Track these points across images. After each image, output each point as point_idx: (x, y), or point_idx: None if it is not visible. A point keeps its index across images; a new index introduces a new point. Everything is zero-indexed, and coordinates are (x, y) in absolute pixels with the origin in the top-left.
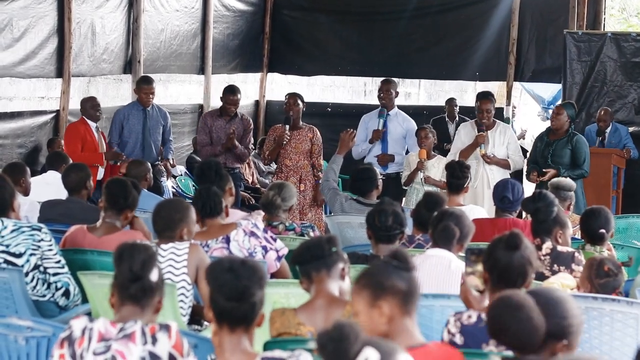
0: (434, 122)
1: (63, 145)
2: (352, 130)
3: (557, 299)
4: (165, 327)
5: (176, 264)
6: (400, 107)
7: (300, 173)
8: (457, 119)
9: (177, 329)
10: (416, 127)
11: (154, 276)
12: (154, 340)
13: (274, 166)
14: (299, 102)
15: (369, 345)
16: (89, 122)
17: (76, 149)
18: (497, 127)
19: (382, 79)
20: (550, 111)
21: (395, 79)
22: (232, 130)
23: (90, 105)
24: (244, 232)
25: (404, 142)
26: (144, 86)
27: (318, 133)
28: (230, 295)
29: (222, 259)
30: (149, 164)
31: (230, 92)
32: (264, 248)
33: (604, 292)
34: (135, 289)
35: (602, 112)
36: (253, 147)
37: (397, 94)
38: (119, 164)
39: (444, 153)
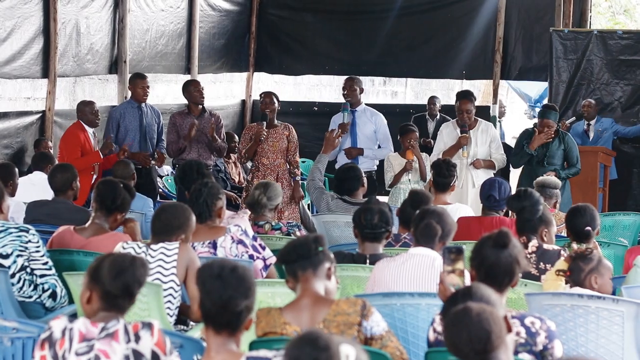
0: (415, 120)
1: (58, 150)
2: (337, 129)
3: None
4: (148, 325)
5: (165, 264)
6: (387, 106)
7: (277, 171)
8: (438, 117)
9: (159, 327)
10: (385, 120)
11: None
12: (137, 338)
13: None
14: (275, 100)
15: (342, 344)
16: (87, 127)
17: (75, 156)
18: (479, 126)
19: (346, 77)
20: (537, 109)
21: (382, 78)
22: (212, 123)
23: (90, 110)
24: (232, 239)
25: (375, 137)
26: (139, 81)
27: (293, 130)
28: (215, 302)
29: (214, 262)
30: (133, 165)
31: (193, 82)
32: (251, 257)
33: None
34: (126, 302)
35: (587, 102)
36: (237, 142)
37: (361, 90)
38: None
39: (422, 148)
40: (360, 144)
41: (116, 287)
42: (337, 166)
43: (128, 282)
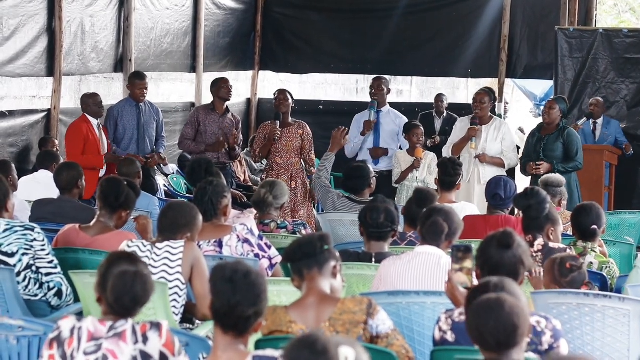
0: (422, 117)
1: (64, 145)
2: (344, 128)
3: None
4: (156, 326)
5: (171, 262)
6: (392, 104)
7: (291, 171)
8: (444, 114)
9: (167, 327)
10: None
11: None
12: (145, 339)
13: (264, 163)
14: (289, 97)
15: (340, 345)
16: (91, 119)
17: (77, 151)
18: (492, 122)
19: (374, 76)
20: (542, 107)
21: (387, 77)
22: (233, 134)
23: (93, 102)
24: (238, 238)
25: (397, 138)
26: (137, 81)
27: (307, 128)
28: (223, 304)
29: (228, 264)
30: (139, 163)
31: (222, 79)
32: (257, 256)
33: (573, 289)
34: (129, 314)
35: (595, 101)
36: (242, 144)
37: (389, 90)
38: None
39: (430, 148)
40: (382, 143)
41: (117, 307)
42: None
43: (127, 305)
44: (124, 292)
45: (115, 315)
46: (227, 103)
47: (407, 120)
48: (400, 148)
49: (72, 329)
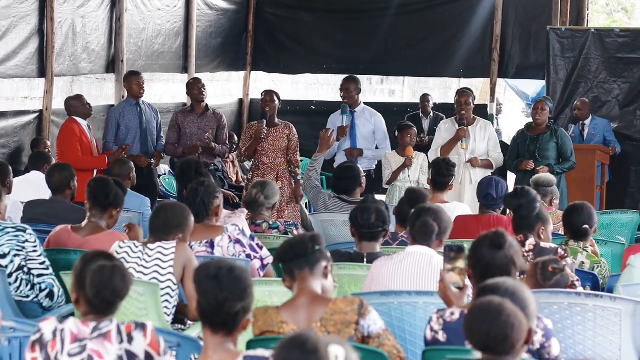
0: (408, 119)
1: (56, 147)
2: (331, 129)
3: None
4: (141, 326)
5: (163, 263)
6: (385, 105)
7: (277, 170)
8: (431, 114)
9: (152, 327)
10: (383, 120)
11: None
12: (130, 339)
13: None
14: (275, 98)
15: (330, 344)
16: (79, 120)
17: (76, 152)
18: (477, 123)
19: (344, 76)
20: (531, 109)
21: (380, 77)
22: (207, 136)
23: (80, 103)
24: (230, 239)
25: (373, 137)
26: (133, 77)
27: (294, 129)
28: (210, 302)
29: (211, 263)
30: (132, 163)
31: (194, 80)
32: (248, 256)
33: None
34: (110, 310)
35: (579, 103)
36: (235, 143)
37: (359, 91)
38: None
39: (417, 147)
40: (359, 145)
41: (97, 302)
42: (335, 166)
43: (108, 299)
44: (104, 286)
45: (96, 314)
46: (219, 103)
47: (381, 117)
48: (377, 147)
49: (54, 331)
